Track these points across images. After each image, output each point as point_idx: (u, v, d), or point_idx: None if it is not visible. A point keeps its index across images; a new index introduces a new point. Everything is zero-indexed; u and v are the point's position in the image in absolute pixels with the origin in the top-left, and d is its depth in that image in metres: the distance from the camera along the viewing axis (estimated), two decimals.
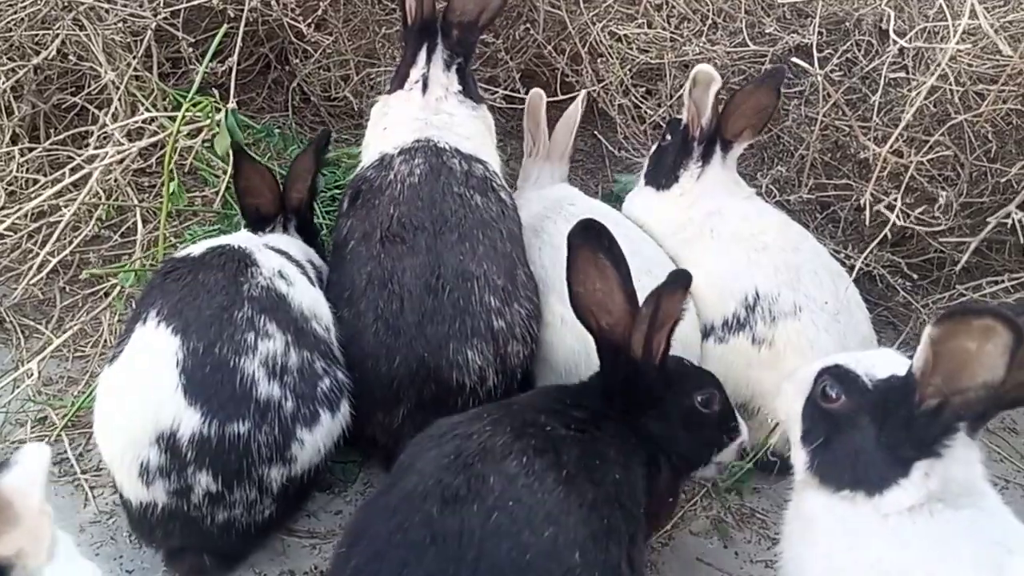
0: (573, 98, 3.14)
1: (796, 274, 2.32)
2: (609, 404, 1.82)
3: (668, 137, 2.65)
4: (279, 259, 2.12)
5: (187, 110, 2.32)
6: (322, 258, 2.43)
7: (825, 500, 1.51)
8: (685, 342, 2.28)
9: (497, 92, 3.23)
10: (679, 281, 1.79)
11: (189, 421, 1.82)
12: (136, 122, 2.48)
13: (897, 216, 2.14)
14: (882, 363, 1.53)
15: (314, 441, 1.94)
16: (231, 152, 2.33)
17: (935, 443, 1.41)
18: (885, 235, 2.85)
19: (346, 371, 2.06)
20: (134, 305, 2.10)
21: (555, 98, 3.10)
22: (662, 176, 2.66)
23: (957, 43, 2.00)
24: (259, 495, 1.89)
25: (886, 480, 1.44)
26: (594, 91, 3.12)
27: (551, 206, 2.56)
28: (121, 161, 2.60)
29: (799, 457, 1.59)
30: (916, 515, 1.41)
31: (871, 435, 1.47)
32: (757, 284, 2.30)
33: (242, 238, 2.19)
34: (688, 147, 2.57)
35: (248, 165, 2.30)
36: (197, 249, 2.10)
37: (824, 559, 1.48)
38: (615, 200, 2.92)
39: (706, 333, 2.36)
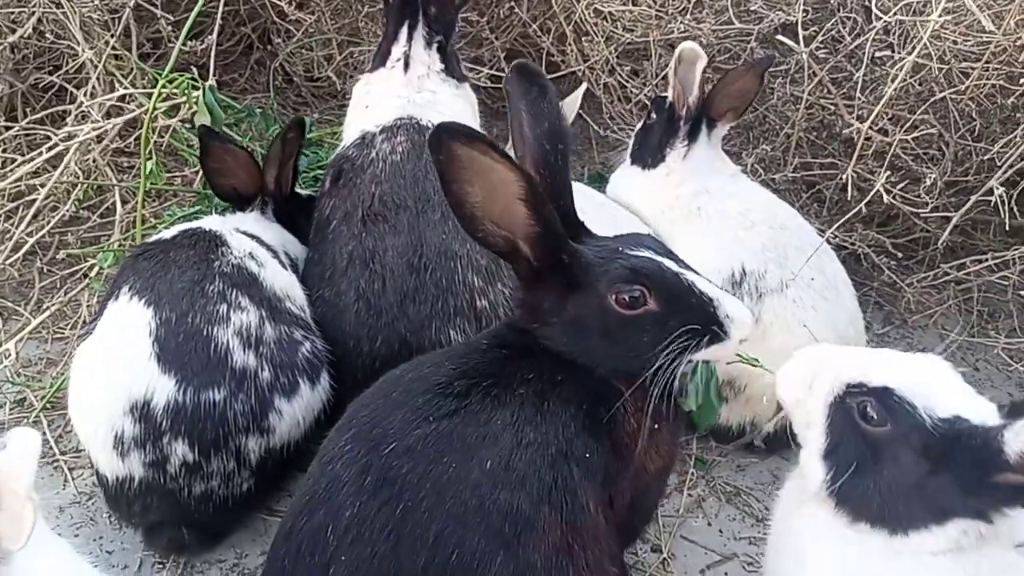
0: (560, 78, 3.13)
1: (783, 251, 2.32)
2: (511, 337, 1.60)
3: (653, 116, 2.64)
4: (250, 242, 2.13)
5: (163, 87, 2.28)
6: (304, 242, 2.41)
7: (832, 521, 1.38)
8: None
9: (482, 72, 3.20)
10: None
11: (163, 389, 1.81)
12: (112, 99, 2.45)
13: (881, 192, 2.13)
14: (942, 394, 1.33)
15: (293, 412, 1.94)
16: (198, 133, 2.30)
17: (994, 511, 1.28)
18: (872, 215, 2.88)
19: (326, 344, 2.05)
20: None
21: None
22: (648, 155, 2.65)
23: (939, 16, 1.98)
24: (237, 466, 1.89)
25: (917, 524, 1.31)
26: (580, 70, 3.10)
27: None
28: (99, 140, 2.57)
29: (815, 469, 1.40)
30: (935, 558, 1.31)
31: (914, 474, 1.30)
32: (744, 261, 2.29)
33: (214, 222, 2.18)
34: (674, 126, 2.56)
35: (217, 146, 2.27)
36: (169, 232, 2.11)
37: None
38: (601, 182, 2.91)
39: None
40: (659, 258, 1.55)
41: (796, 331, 2.20)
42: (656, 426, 1.55)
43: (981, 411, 1.32)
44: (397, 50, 2.41)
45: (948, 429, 1.29)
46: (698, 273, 1.57)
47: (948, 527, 1.29)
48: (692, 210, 2.47)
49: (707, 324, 1.50)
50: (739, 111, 2.56)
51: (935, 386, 1.35)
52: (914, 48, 2.14)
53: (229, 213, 2.37)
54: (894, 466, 1.32)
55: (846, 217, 2.20)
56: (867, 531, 1.34)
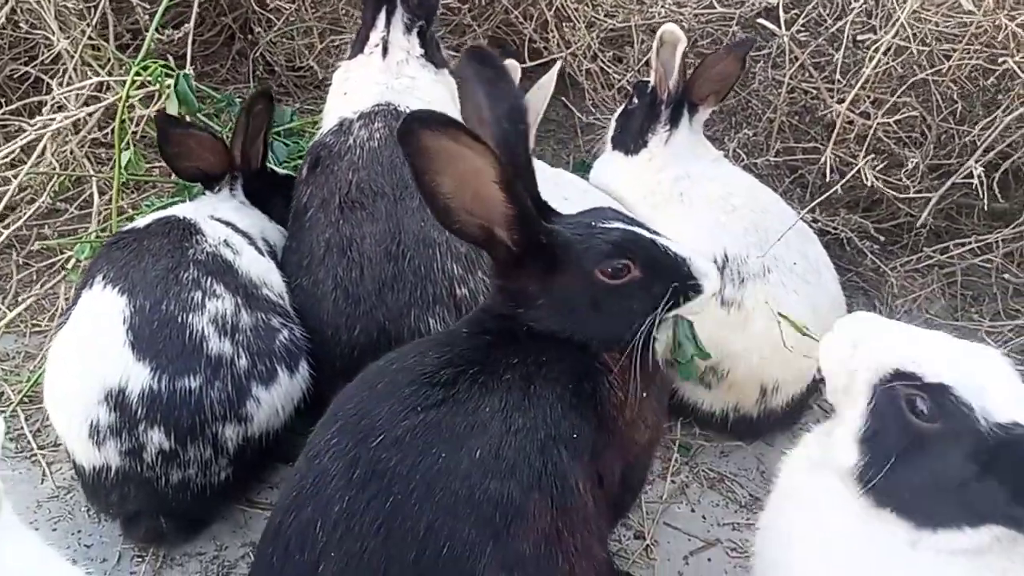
0: (543, 65, 3.11)
1: (765, 236, 2.31)
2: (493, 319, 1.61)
3: (635, 100, 2.63)
4: (225, 230, 2.11)
5: (136, 74, 2.26)
6: (282, 221, 2.38)
7: (847, 497, 1.33)
8: None
9: None
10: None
11: (138, 377, 1.80)
12: (86, 87, 2.41)
13: (862, 174, 2.12)
14: (1001, 398, 1.25)
15: (271, 400, 1.93)
16: (155, 120, 2.25)
17: None
18: (856, 200, 2.87)
19: (305, 332, 2.04)
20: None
21: (525, 65, 3.06)
22: (630, 140, 2.63)
23: None
24: (214, 454, 1.87)
25: (948, 522, 1.26)
26: (562, 57, 3.08)
27: None
28: (77, 131, 2.54)
29: (848, 451, 1.34)
30: (955, 557, 1.26)
31: (959, 476, 1.24)
32: (726, 246, 2.28)
33: (188, 209, 2.16)
34: (656, 110, 2.55)
35: (176, 131, 2.21)
36: (143, 221, 2.09)
37: (807, 554, 1.36)
38: (585, 169, 2.89)
39: None
40: (633, 228, 1.60)
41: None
42: (644, 394, 1.56)
43: None
44: (375, 36, 2.39)
45: (1004, 435, 1.23)
46: (664, 235, 1.63)
47: (982, 531, 1.24)
48: (674, 195, 2.46)
49: (684, 282, 1.57)
50: (721, 95, 2.55)
51: (994, 387, 1.27)
52: (894, 29, 2.12)
53: (201, 196, 2.34)
54: (938, 465, 1.26)
55: (823, 196, 2.19)
56: (890, 519, 1.29)
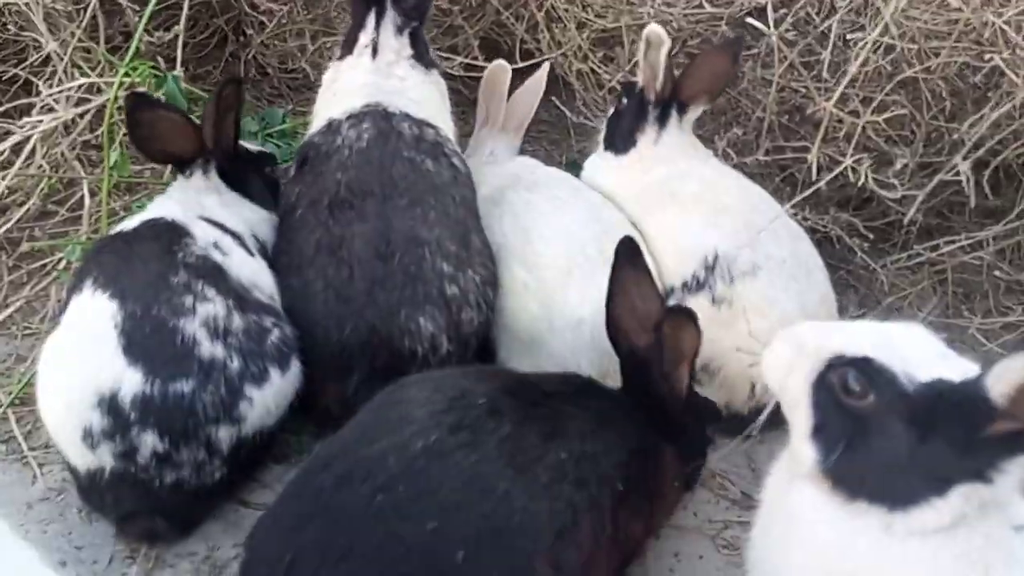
0: (534, 66, 3.11)
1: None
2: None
3: (624, 101, 2.63)
4: (214, 232, 2.11)
5: (125, 75, 2.25)
6: (261, 199, 2.37)
7: (824, 501, 1.33)
8: None
9: (456, 61, 3.18)
10: (685, 314, 1.76)
11: (131, 381, 1.81)
12: (74, 88, 2.41)
13: (850, 173, 2.13)
14: (921, 358, 1.29)
15: (264, 401, 1.93)
16: (124, 102, 2.18)
17: (991, 468, 1.23)
18: (846, 198, 2.88)
19: (295, 330, 2.05)
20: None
21: (516, 66, 3.07)
22: (619, 141, 2.64)
23: None
24: (208, 455, 1.88)
25: (916, 498, 1.25)
26: (553, 58, 3.08)
27: (510, 177, 2.55)
28: (67, 132, 2.54)
29: (805, 451, 1.37)
30: (932, 534, 1.25)
31: (907, 445, 1.25)
32: (716, 245, 2.29)
33: (176, 210, 2.15)
34: (644, 110, 2.55)
35: (146, 113, 2.13)
36: (130, 223, 2.10)
37: (806, 563, 1.35)
38: (576, 169, 2.90)
39: (666, 295, 2.35)
40: None
41: (769, 314, 2.20)
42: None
43: (964, 371, 1.27)
44: (365, 37, 2.40)
45: (931, 392, 1.25)
46: None
47: (950, 497, 1.23)
48: (664, 195, 2.46)
49: None
50: (713, 94, 2.54)
51: (914, 351, 1.31)
52: (880, 27, 2.13)
53: (175, 184, 2.31)
54: (884, 438, 1.27)
55: (808, 191, 2.19)
56: (865, 509, 1.29)
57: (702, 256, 2.29)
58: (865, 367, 1.30)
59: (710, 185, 2.45)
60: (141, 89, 2.33)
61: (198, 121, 2.24)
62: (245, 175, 2.37)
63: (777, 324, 2.13)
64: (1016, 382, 1.17)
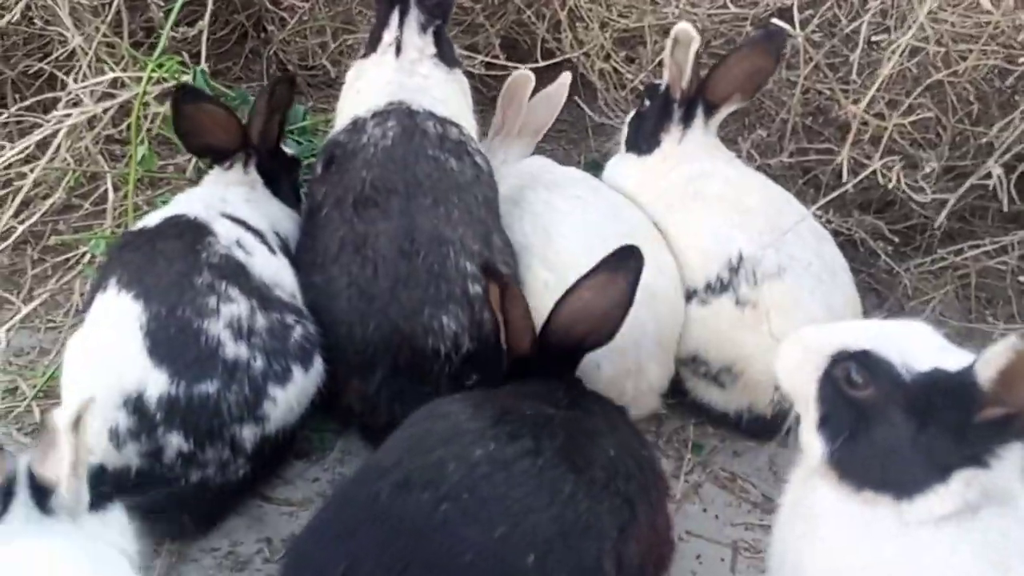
0: (554, 66, 3.10)
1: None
2: None
3: (647, 102, 2.62)
4: (237, 230, 2.11)
5: (152, 71, 2.26)
6: (286, 202, 2.38)
7: (839, 495, 1.37)
8: (671, 306, 2.27)
9: (477, 60, 3.17)
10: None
11: (156, 382, 1.82)
12: (102, 83, 2.43)
13: (878, 175, 2.11)
14: (920, 350, 1.35)
15: (287, 399, 1.94)
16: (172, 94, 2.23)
17: (987, 453, 1.27)
18: (869, 201, 2.86)
19: (318, 327, 2.05)
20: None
21: (537, 65, 3.06)
22: (643, 141, 2.62)
23: None
24: (232, 454, 1.89)
25: (920, 485, 1.29)
26: (575, 57, 3.08)
27: (528, 176, 2.54)
28: (91, 127, 2.55)
29: (813, 444, 1.42)
30: (941, 524, 1.28)
31: (907, 434, 1.30)
32: (741, 247, 2.27)
33: (198, 207, 2.15)
34: (668, 110, 2.52)
35: (190, 106, 2.18)
36: (153, 220, 2.10)
37: (827, 560, 1.36)
38: (595, 169, 2.89)
39: (689, 296, 2.35)
40: None
41: (794, 315, 2.18)
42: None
43: (962, 362, 1.31)
44: (388, 35, 2.39)
45: (928, 381, 1.31)
46: None
47: (951, 483, 1.27)
48: (688, 194, 2.44)
49: None
50: (749, 93, 2.46)
51: (913, 343, 1.37)
52: (912, 30, 2.11)
53: (209, 176, 2.34)
54: (885, 427, 1.33)
55: (833, 194, 2.18)
56: (874, 500, 1.33)
57: (726, 258, 2.27)
58: (865, 359, 1.36)
59: (734, 186, 2.42)
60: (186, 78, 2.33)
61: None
62: (280, 175, 2.40)
63: (803, 326, 2.12)
64: (1000, 366, 1.22)
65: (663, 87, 2.54)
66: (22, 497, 1.37)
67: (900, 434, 1.31)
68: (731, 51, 2.47)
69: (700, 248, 2.34)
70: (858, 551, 1.33)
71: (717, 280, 2.28)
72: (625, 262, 1.83)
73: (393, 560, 1.32)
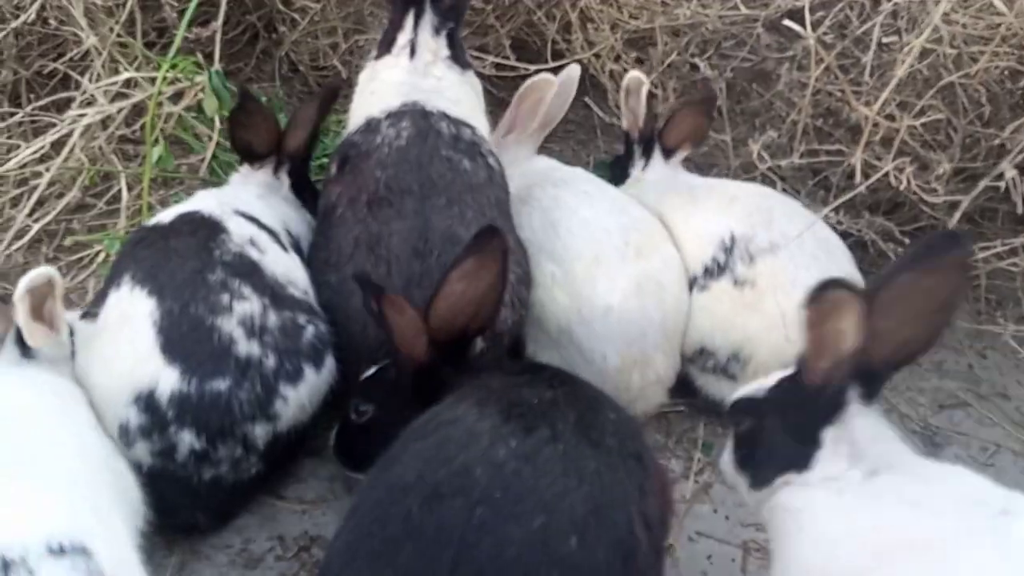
0: (563, 66, 3.11)
1: (769, 215, 2.35)
2: None
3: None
4: (250, 227, 2.13)
5: (167, 71, 2.28)
6: (312, 211, 2.40)
7: (783, 493, 1.59)
8: (676, 297, 2.30)
9: (487, 60, 3.19)
10: None
11: (168, 379, 1.82)
12: (116, 83, 2.44)
13: (890, 177, 2.12)
14: (776, 375, 1.66)
15: (299, 398, 1.95)
16: (238, 90, 2.33)
17: (830, 413, 1.53)
18: (878, 202, 2.86)
19: (330, 327, 2.06)
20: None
21: (547, 66, 3.07)
22: (616, 178, 2.77)
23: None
24: (244, 452, 1.90)
25: (807, 455, 1.55)
26: (585, 58, 3.09)
27: (537, 175, 2.57)
28: (105, 127, 2.57)
29: (740, 481, 1.70)
30: (863, 485, 1.50)
31: (777, 425, 1.61)
32: (732, 227, 2.32)
33: (212, 204, 2.16)
34: (630, 150, 2.74)
35: (251, 102, 2.29)
36: (167, 217, 2.11)
37: (812, 542, 1.51)
38: (603, 170, 2.91)
39: (690, 286, 2.37)
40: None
41: (791, 291, 2.19)
42: None
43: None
44: (403, 37, 2.40)
45: (776, 386, 1.64)
46: None
47: (825, 444, 1.53)
48: (678, 191, 2.56)
49: None
50: (696, 142, 2.71)
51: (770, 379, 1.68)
52: (922, 32, 2.12)
53: (235, 174, 2.39)
54: (764, 432, 1.65)
55: (846, 196, 2.19)
56: (798, 481, 1.57)
57: (719, 239, 2.32)
58: (737, 403, 1.72)
59: (716, 183, 2.58)
60: (207, 99, 2.46)
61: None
62: (307, 181, 2.45)
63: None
64: (805, 344, 1.51)
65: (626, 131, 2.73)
66: (9, 345, 1.83)
67: (773, 428, 1.62)
68: (678, 108, 2.73)
69: (695, 233, 2.39)
70: (812, 526, 1.52)
71: (713, 262, 2.32)
72: (489, 244, 1.80)
73: (440, 572, 1.34)
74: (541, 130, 2.76)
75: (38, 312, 1.79)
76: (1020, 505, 1.36)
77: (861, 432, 1.53)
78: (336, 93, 2.40)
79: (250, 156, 2.36)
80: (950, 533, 1.34)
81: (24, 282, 1.74)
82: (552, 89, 2.60)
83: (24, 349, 1.82)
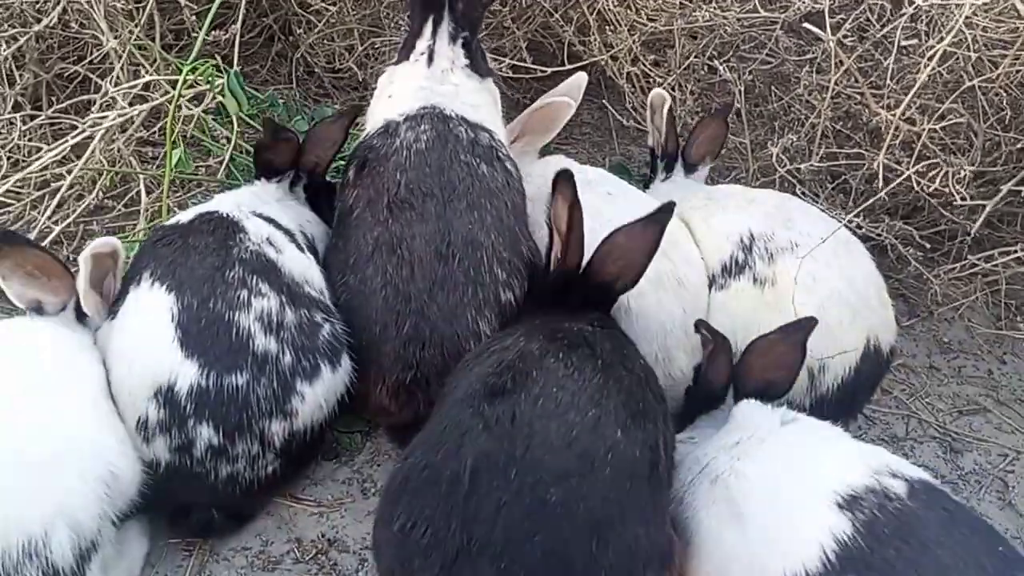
0: (580, 68, 3.10)
1: (787, 215, 2.35)
2: None
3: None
4: (267, 227, 2.14)
5: (187, 74, 2.29)
6: (327, 222, 2.41)
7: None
8: (697, 294, 2.29)
9: (503, 62, 3.19)
10: None
11: (187, 373, 1.84)
12: (137, 86, 2.45)
13: (914, 181, 2.10)
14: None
15: (315, 396, 1.96)
16: (264, 123, 2.40)
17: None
18: (897, 206, 2.85)
19: (346, 327, 2.07)
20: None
21: (563, 68, 3.07)
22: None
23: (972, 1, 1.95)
24: (262, 449, 1.91)
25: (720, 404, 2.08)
26: (602, 60, 3.08)
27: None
28: (124, 129, 2.58)
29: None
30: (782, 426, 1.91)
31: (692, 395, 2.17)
32: (750, 226, 2.32)
33: (230, 204, 2.18)
34: (654, 164, 2.78)
35: (273, 128, 2.35)
36: (186, 216, 2.13)
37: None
38: (620, 172, 2.90)
39: (710, 284, 2.35)
40: None
41: (816, 290, 2.17)
42: None
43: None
44: (421, 44, 2.40)
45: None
46: None
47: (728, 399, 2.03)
48: (697, 197, 2.56)
49: None
50: (715, 154, 2.77)
51: None
52: (943, 36, 2.10)
53: (248, 184, 2.40)
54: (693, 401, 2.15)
55: (869, 202, 2.18)
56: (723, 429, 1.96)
57: (737, 237, 2.31)
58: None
59: (734, 190, 2.59)
60: (227, 102, 2.49)
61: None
62: (323, 196, 2.46)
63: (826, 302, 2.12)
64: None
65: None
66: (69, 310, 2.02)
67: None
68: (698, 122, 2.79)
69: (713, 232, 2.38)
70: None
71: (732, 260, 2.29)
72: (659, 216, 2.02)
73: (514, 452, 1.56)
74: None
75: (96, 281, 1.96)
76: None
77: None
78: (358, 113, 2.41)
79: (269, 173, 2.38)
80: None
81: (90, 247, 1.91)
82: (569, 113, 2.61)
83: (79, 315, 2.00)
